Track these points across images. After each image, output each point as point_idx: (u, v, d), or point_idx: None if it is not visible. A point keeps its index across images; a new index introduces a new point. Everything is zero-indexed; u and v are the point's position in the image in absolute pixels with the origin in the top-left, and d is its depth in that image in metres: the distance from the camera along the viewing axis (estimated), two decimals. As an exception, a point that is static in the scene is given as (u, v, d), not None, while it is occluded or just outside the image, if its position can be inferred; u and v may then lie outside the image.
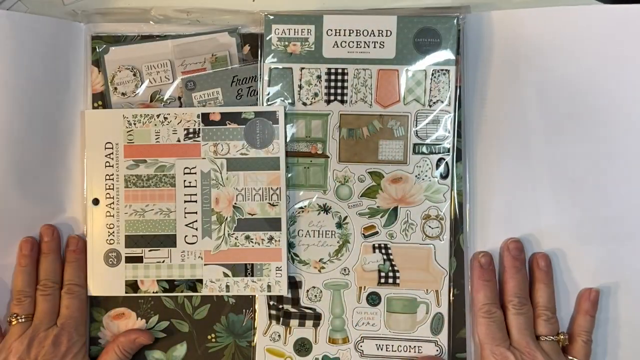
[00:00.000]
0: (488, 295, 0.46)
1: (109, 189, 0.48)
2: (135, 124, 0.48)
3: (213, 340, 0.49)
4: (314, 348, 0.49)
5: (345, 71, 0.48)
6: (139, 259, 0.48)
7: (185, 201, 0.48)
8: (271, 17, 0.48)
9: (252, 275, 0.48)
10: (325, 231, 0.49)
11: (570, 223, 0.48)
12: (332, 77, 0.48)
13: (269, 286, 0.48)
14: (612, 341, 0.48)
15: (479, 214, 0.49)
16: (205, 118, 0.48)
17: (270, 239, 0.48)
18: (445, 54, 0.48)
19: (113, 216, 0.48)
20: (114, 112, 0.49)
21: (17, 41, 0.47)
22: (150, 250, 0.48)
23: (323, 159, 0.49)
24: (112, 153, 0.48)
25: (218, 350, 0.49)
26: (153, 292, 0.49)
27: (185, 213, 0.48)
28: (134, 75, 0.49)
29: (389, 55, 0.48)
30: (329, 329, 0.49)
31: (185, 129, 0.48)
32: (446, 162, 0.48)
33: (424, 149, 0.49)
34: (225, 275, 0.48)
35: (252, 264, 0.48)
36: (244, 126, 0.48)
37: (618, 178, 0.48)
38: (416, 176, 0.49)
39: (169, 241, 0.48)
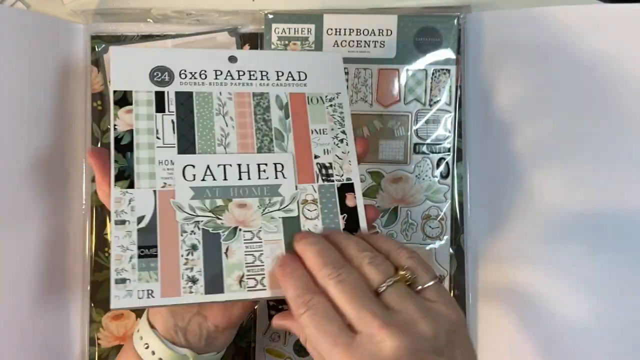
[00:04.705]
0: (297, 284, 0.33)
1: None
2: None
3: (212, 340, 0.49)
4: (314, 348, 0.49)
5: (346, 70, 0.48)
6: None
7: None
8: (271, 16, 0.48)
9: None
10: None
11: (572, 223, 0.48)
12: (333, 76, 0.48)
13: None
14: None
15: (479, 214, 0.49)
16: None
17: None
18: (445, 54, 0.48)
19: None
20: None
21: (18, 39, 0.47)
22: None
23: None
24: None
25: (218, 350, 0.49)
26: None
27: None
28: (134, 74, 0.49)
29: (390, 54, 0.48)
30: (329, 330, 0.49)
31: None
32: (447, 162, 0.48)
33: (425, 149, 0.49)
34: None
35: None
36: None
37: (620, 177, 0.48)
38: (416, 176, 0.49)
39: None
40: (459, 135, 0.49)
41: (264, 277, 0.35)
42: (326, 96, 0.39)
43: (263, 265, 0.35)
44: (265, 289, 0.35)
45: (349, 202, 0.37)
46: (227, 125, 0.37)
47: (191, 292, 0.34)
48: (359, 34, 0.48)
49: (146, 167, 0.35)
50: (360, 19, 0.48)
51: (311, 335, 0.31)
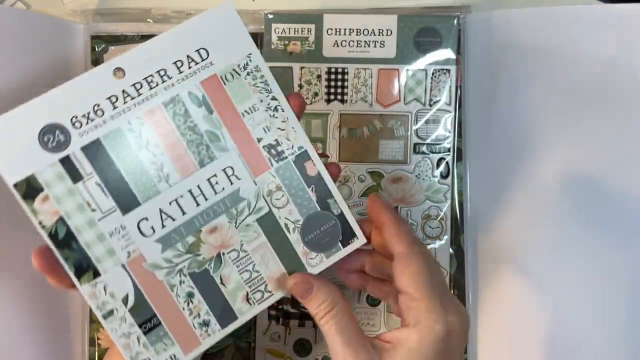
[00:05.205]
0: (409, 229, 0.36)
1: None
2: None
3: (212, 340, 0.49)
4: (313, 348, 0.49)
5: (346, 70, 0.48)
6: None
7: None
8: (271, 16, 0.48)
9: None
10: (325, 231, 0.49)
11: (572, 223, 0.48)
12: (332, 76, 0.48)
13: None
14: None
15: (479, 214, 0.49)
16: None
17: None
18: (445, 54, 0.48)
19: None
20: None
21: (17, 39, 0.47)
22: None
23: (323, 158, 0.49)
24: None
25: (218, 350, 0.49)
26: None
27: None
28: (134, 74, 0.49)
29: (390, 54, 0.48)
30: (329, 330, 0.49)
31: None
32: (446, 162, 0.48)
33: (425, 149, 0.49)
34: None
35: None
36: None
37: (621, 177, 0.48)
38: (416, 176, 0.49)
39: None
40: (459, 135, 0.49)
41: (266, 285, 0.34)
42: (239, 65, 0.33)
43: (261, 274, 0.34)
44: (272, 294, 0.34)
45: (310, 172, 0.35)
46: (156, 156, 0.32)
47: (209, 335, 0.33)
48: (359, 34, 0.48)
49: (100, 247, 0.32)
50: (360, 19, 0.48)
51: (419, 272, 0.33)
